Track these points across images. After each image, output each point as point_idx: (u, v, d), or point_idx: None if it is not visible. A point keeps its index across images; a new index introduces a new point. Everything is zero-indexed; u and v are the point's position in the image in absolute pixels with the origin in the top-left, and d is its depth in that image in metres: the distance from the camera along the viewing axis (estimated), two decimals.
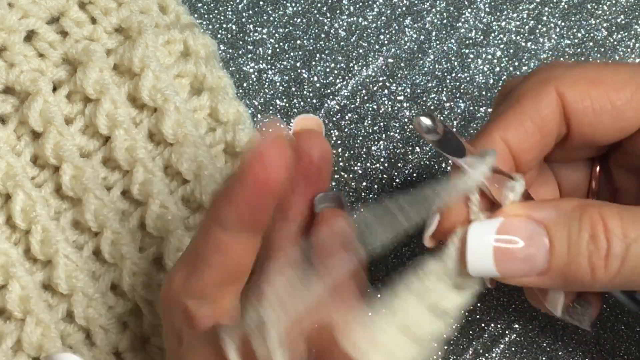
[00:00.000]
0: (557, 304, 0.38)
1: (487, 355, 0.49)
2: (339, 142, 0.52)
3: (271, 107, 0.53)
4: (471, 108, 0.52)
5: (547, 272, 0.35)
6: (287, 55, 0.54)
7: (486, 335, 0.49)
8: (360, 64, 0.53)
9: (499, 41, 0.54)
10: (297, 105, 0.53)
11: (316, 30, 0.54)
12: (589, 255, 0.35)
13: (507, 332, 0.49)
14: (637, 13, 0.54)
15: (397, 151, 0.52)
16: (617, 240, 0.34)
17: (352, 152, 0.52)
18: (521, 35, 0.54)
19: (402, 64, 0.53)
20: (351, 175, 0.52)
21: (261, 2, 0.55)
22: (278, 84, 0.53)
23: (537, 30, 0.54)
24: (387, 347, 0.36)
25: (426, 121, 0.34)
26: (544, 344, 0.49)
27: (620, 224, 0.34)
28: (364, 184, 0.52)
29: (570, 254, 0.35)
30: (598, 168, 0.42)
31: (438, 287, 0.37)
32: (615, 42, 0.53)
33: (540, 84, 0.38)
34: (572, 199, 0.36)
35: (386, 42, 0.54)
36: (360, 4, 0.55)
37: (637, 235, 0.34)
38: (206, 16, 0.55)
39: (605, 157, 0.42)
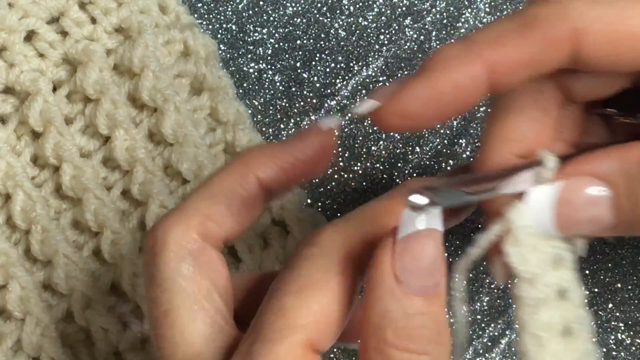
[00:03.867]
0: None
1: (487, 355, 0.49)
2: (338, 142, 0.52)
3: (271, 107, 0.53)
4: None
5: (614, 227, 0.35)
6: (287, 55, 0.54)
7: (486, 335, 0.49)
8: (360, 64, 0.54)
9: None
10: (297, 105, 0.53)
11: (316, 30, 0.54)
12: None
13: (507, 332, 0.49)
14: None
15: (397, 151, 0.52)
16: None
17: (352, 152, 0.52)
18: None
19: (402, 64, 0.53)
20: (351, 175, 0.52)
21: (261, 2, 0.55)
22: (278, 84, 0.53)
23: None
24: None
25: (419, 200, 0.32)
26: None
27: None
28: (364, 184, 0.52)
29: (638, 211, 0.34)
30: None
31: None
32: None
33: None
34: (633, 146, 0.34)
35: (386, 42, 0.54)
36: (360, 4, 0.55)
37: None
38: (206, 16, 0.55)
39: None
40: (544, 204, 0.35)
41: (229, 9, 0.55)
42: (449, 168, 0.52)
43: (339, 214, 0.51)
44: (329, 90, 0.53)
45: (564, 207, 0.35)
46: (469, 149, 0.52)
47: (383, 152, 0.52)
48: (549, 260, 0.35)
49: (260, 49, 0.54)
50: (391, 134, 0.52)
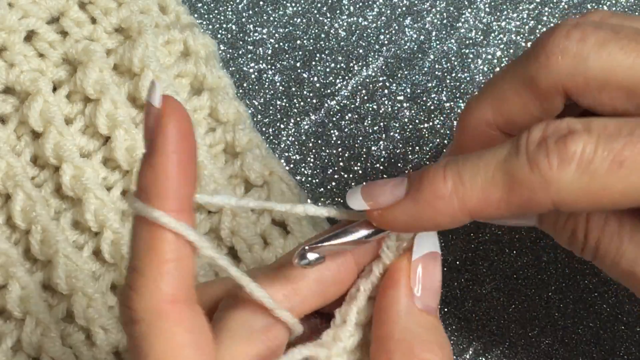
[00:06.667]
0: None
1: (487, 355, 0.49)
2: (338, 142, 0.52)
3: (271, 107, 0.53)
4: None
5: None
6: (287, 55, 0.54)
7: (486, 335, 0.49)
8: (360, 64, 0.54)
9: (499, 41, 0.54)
10: (297, 105, 0.53)
11: (316, 30, 0.54)
12: None
13: (507, 332, 0.49)
14: (637, 13, 0.54)
15: (397, 151, 0.52)
16: None
17: (352, 152, 0.52)
18: (521, 35, 0.54)
19: (402, 64, 0.53)
20: (351, 175, 0.52)
21: (261, 2, 0.55)
22: (278, 84, 0.53)
23: (537, 30, 0.54)
24: None
25: (311, 256, 0.35)
26: (544, 344, 0.49)
27: None
28: (364, 184, 0.52)
29: None
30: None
31: None
32: None
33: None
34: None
35: (386, 42, 0.54)
36: (360, 4, 0.55)
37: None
38: (206, 16, 0.55)
39: None
40: None
41: (229, 9, 0.55)
42: None
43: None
44: (329, 90, 0.53)
45: None
46: None
47: (383, 152, 0.52)
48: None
49: (260, 49, 0.54)
50: (391, 133, 0.52)
